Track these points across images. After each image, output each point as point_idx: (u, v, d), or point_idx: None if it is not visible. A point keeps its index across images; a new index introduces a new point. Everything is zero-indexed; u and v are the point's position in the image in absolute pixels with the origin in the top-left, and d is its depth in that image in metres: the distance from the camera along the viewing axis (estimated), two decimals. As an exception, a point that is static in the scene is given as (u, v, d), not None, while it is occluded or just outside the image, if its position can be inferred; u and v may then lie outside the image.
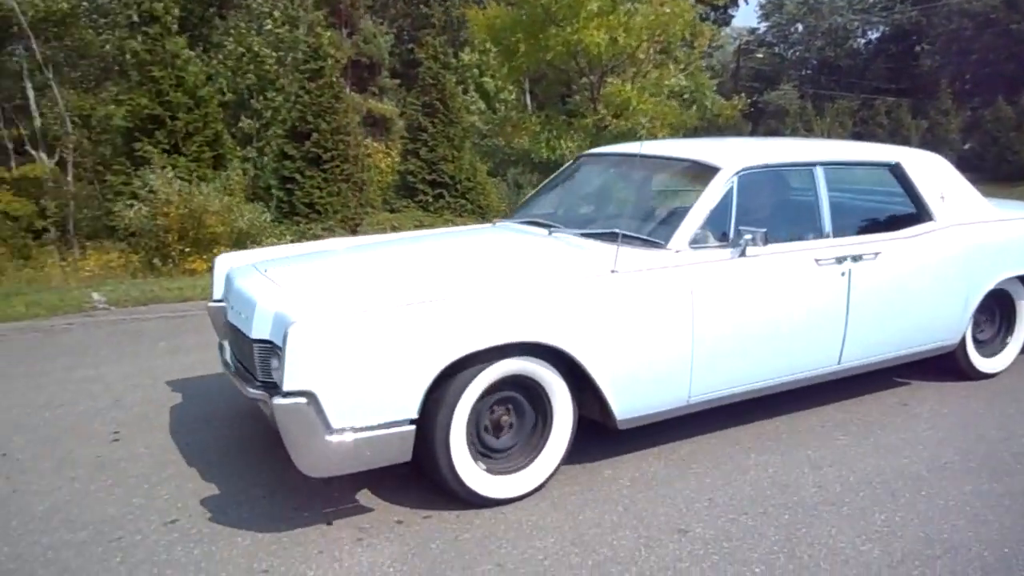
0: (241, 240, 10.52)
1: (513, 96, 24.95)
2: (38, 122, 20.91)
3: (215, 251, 8.98)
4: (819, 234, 3.89)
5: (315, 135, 13.83)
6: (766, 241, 3.53)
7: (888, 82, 34.50)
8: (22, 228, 16.76)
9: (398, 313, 2.88)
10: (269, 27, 19.82)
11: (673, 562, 2.80)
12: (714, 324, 3.48)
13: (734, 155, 3.82)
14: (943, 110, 31.80)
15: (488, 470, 3.15)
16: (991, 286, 4.39)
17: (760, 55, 45.33)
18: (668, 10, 15.38)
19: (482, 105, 24.45)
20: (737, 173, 3.68)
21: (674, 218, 3.65)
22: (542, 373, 3.18)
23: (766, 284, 3.63)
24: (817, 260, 3.77)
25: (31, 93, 20.70)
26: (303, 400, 2.73)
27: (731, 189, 3.65)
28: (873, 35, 42.44)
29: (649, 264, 3.42)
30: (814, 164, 3.96)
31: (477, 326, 2.97)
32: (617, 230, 3.44)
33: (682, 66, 17.55)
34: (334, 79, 14.50)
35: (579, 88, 18.15)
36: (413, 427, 2.93)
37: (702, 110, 18.14)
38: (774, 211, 3.96)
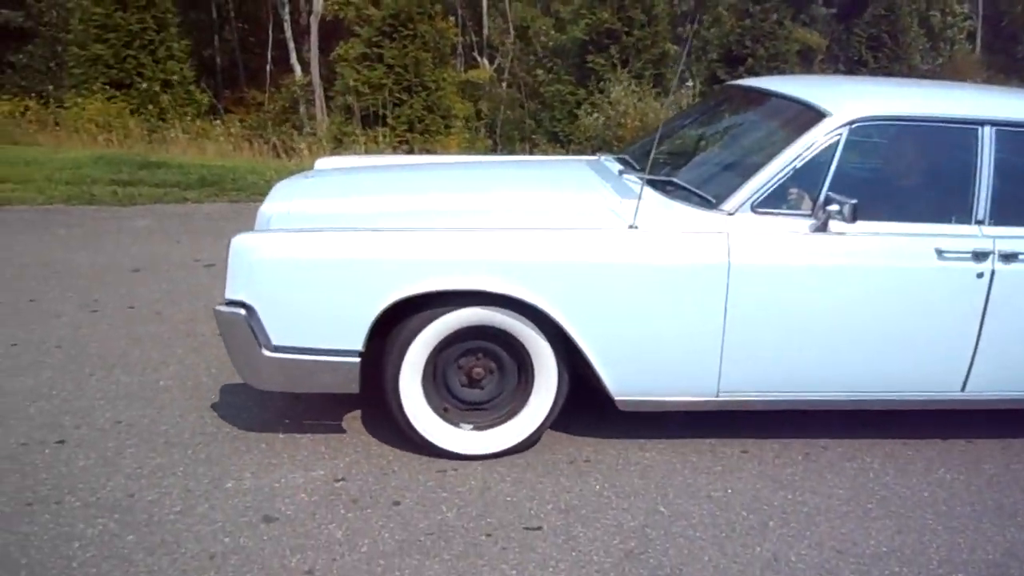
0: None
1: (964, 35, 23.11)
2: (486, 30, 24.01)
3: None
4: (967, 219, 2.89)
5: (750, 60, 14.90)
6: (855, 216, 2.69)
7: None
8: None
9: (348, 238, 2.70)
10: None
11: None
12: (760, 310, 2.79)
13: (854, 99, 2.95)
14: None
15: (448, 420, 2.91)
16: None
17: None
18: None
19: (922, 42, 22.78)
20: (849, 124, 2.83)
21: (744, 172, 2.93)
22: (519, 328, 2.80)
23: (849, 271, 2.81)
24: (940, 251, 2.81)
25: (485, 2, 23.74)
26: (241, 311, 2.70)
27: (836, 143, 2.83)
28: None
29: (682, 225, 2.81)
30: (980, 123, 2.90)
31: (428, 265, 2.68)
32: (649, 176, 2.85)
33: None
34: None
35: None
36: (358, 360, 2.77)
37: None
38: (901, 180, 3.02)
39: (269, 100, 21.89)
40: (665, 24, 16.07)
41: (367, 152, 11.36)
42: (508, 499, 2.71)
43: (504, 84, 22.39)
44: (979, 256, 2.82)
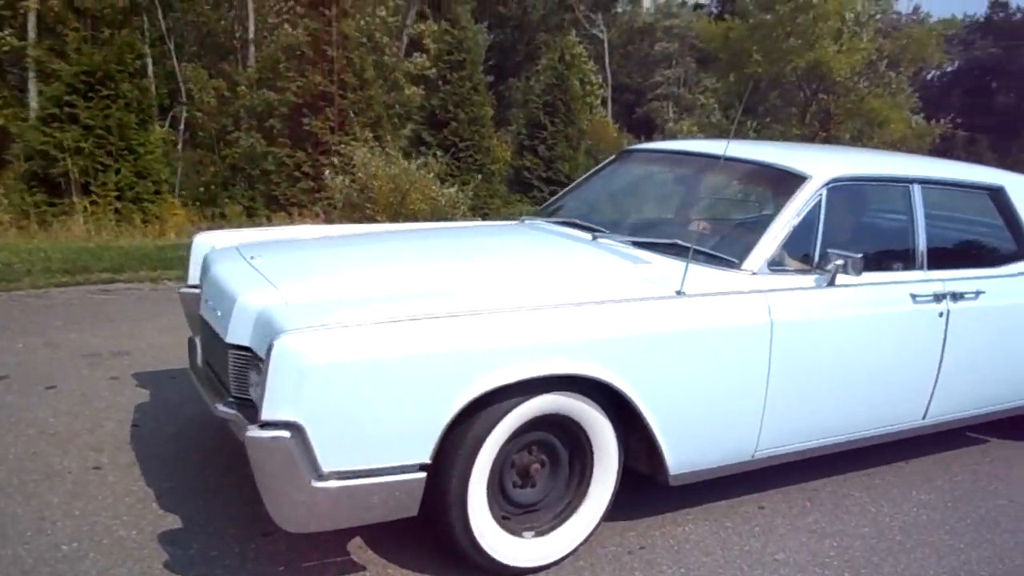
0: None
1: (599, 101, 25.93)
2: (153, 91, 21.66)
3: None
4: (912, 265, 3.27)
5: (453, 124, 14.80)
6: (861, 269, 2.90)
7: (964, 117, 33.07)
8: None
9: (417, 329, 2.24)
10: (383, 15, 20.22)
11: None
12: (793, 365, 2.85)
13: (825, 162, 3.20)
14: (1024, 146, 30.57)
15: (510, 531, 2.52)
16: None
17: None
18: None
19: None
20: (827, 184, 3.05)
21: (749, 233, 3.02)
22: (586, 412, 2.54)
23: (855, 320, 3.01)
24: (914, 296, 3.15)
25: (150, 62, 21.41)
26: (286, 434, 2.08)
27: (819, 202, 3.02)
28: (949, 69, 40.39)
29: (722, 287, 2.79)
30: (912, 181, 3.33)
31: (515, 351, 2.33)
32: (682, 242, 2.79)
33: (892, 85, 18.09)
34: (476, 72, 15.68)
35: (792, 102, 19.25)
36: (424, 475, 2.29)
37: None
38: (863, 233, 3.35)
39: None
40: (377, 88, 16.40)
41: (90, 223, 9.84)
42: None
43: (180, 147, 21.11)
44: (939, 297, 3.20)
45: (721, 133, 18.58)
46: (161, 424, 3.54)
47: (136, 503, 2.83)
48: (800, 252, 3.01)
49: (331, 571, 2.51)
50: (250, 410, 2.41)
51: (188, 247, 3.58)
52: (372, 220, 10.61)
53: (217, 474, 3.08)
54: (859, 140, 15.89)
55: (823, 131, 16.54)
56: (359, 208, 11.10)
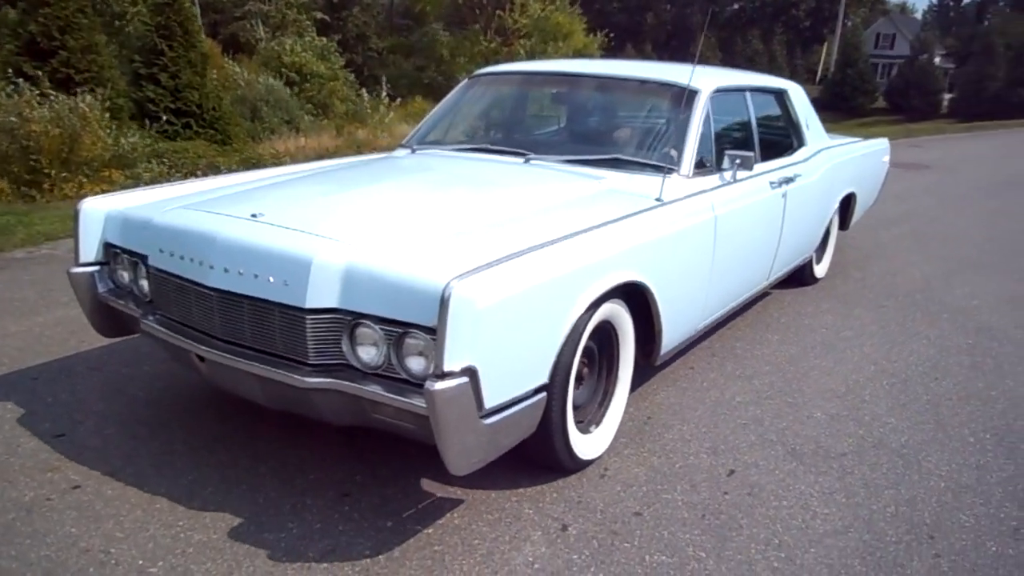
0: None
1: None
2: None
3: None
4: (759, 158, 4.06)
5: (62, 53, 12.19)
6: (752, 166, 3.60)
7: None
8: None
9: (542, 257, 2.38)
10: None
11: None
12: (723, 249, 3.48)
13: (704, 77, 3.79)
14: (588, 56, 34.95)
15: (582, 430, 2.83)
16: (836, 204, 5.09)
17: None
18: None
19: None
20: (711, 96, 3.67)
21: (667, 143, 3.52)
22: (621, 315, 2.90)
23: (749, 207, 3.74)
24: (771, 184, 3.98)
25: None
26: (466, 380, 2.13)
27: (708, 112, 3.64)
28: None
29: (677, 192, 3.28)
30: (745, 89, 4.13)
31: (606, 264, 2.62)
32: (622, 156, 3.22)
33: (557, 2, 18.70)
34: None
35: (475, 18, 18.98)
36: (544, 395, 2.48)
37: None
38: (729, 135, 4.05)
39: None
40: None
41: None
42: (678, 466, 2.87)
43: None
44: (780, 182, 4.07)
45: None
46: (93, 426, 3.04)
47: (173, 507, 2.53)
48: (700, 155, 3.61)
49: (434, 513, 2.57)
50: (344, 372, 2.35)
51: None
52: (43, 173, 9.12)
53: (224, 454, 2.83)
54: (534, 54, 17.36)
55: (505, 45, 17.76)
56: (15, 159, 9.32)
